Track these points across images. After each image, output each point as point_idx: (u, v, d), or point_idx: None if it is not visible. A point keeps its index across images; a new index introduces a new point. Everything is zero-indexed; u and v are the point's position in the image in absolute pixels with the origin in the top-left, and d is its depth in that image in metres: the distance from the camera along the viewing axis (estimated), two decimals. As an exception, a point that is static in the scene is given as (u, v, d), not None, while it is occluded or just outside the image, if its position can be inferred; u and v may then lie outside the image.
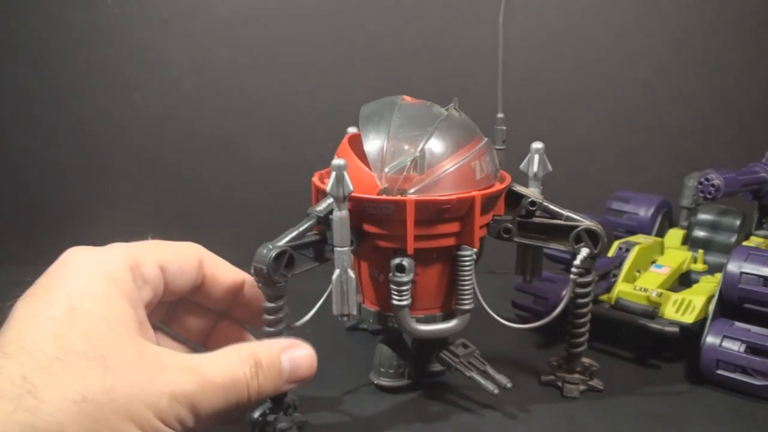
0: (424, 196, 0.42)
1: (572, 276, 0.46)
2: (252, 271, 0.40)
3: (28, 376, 0.30)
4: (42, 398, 0.30)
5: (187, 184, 0.83)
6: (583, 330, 0.48)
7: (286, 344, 0.39)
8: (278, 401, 0.42)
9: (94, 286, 0.35)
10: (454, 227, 0.44)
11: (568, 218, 0.46)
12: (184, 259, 0.41)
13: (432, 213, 0.42)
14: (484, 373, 0.47)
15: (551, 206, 0.47)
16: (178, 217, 0.83)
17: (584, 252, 0.45)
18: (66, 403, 0.30)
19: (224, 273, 0.43)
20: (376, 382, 0.50)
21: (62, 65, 0.80)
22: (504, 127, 0.49)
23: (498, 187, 0.45)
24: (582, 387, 0.49)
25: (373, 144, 0.43)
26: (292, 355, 0.39)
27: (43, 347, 0.31)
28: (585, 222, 0.45)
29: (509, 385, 0.46)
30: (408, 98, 0.47)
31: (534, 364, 0.52)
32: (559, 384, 0.49)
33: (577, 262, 0.45)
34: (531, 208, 0.47)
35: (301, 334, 0.59)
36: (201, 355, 0.37)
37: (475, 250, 0.45)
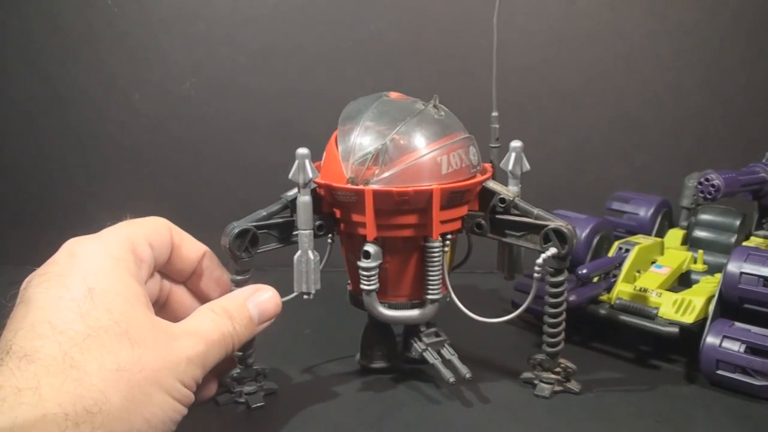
0: (384, 186, 0.44)
1: (535, 275, 0.46)
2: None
3: (68, 351, 0.33)
4: (84, 370, 0.32)
5: (187, 184, 0.83)
6: (557, 330, 0.48)
7: (249, 291, 0.43)
8: (248, 367, 0.47)
9: (104, 267, 0.37)
10: (414, 219, 0.45)
11: (538, 216, 0.46)
12: (162, 234, 0.43)
13: (391, 204, 0.44)
14: (449, 363, 0.48)
15: (522, 204, 0.47)
16: (178, 217, 0.82)
17: (549, 251, 0.45)
18: (105, 374, 0.33)
19: (188, 244, 0.45)
20: (358, 362, 0.52)
21: (62, 65, 0.80)
22: (497, 125, 0.50)
23: (460, 183, 0.46)
24: (557, 388, 0.49)
25: (346, 136, 0.45)
26: (257, 300, 0.43)
27: (72, 326, 0.34)
28: (554, 221, 0.46)
29: (468, 375, 0.47)
30: (394, 94, 0.49)
31: (520, 362, 0.52)
32: (536, 382, 0.49)
33: (539, 261, 0.45)
34: (501, 205, 0.47)
35: (299, 334, 0.59)
36: (190, 320, 0.40)
37: (446, 242, 0.47)
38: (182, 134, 0.82)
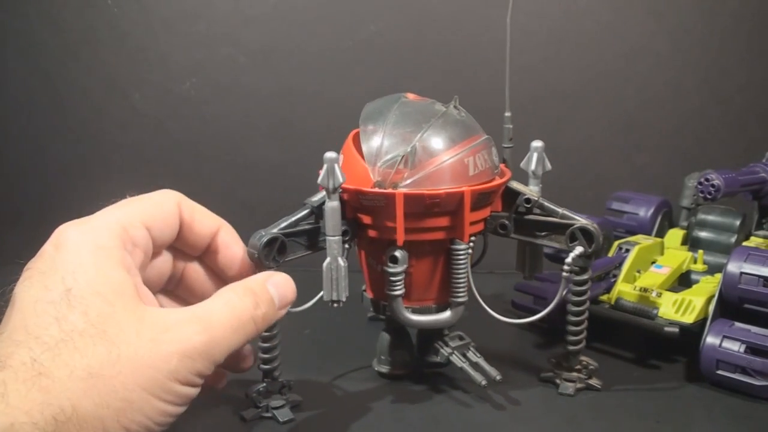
0: (414, 189, 0.43)
1: (564, 274, 0.46)
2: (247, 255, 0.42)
3: (38, 358, 0.31)
4: (53, 378, 0.31)
5: (187, 184, 0.82)
6: (580, 329, 0.48)
7: (266, 275, 0.41)
8: (273, 381, 0.46)
9: (86, 262, 0.35)
10: (444, 221, 0.45)
11: (563, 216, 0.46)
12: (165, 211, 0.41)
13: (422, 206, 0.43)
14: (476, 366, 0.48)
15: (547, 204, 0.47)
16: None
17: (577, 250, 0.45)
18: (74, 382, 0.31)
19: (200, 218, 0.42)
20: (376, 369, 0.51)
21: (62, 65, 0.80)
22: (511, 126, 0.50)
23: (490, 183, 0.46)
24: (579, 385, 0.49)
25: (369, 139, 0.45)
26: (275, 282, 0.40)
27: (48, 331, 0.32)
28: (580, 220, 0.46)
29: (498, 377, 0.47)
30: (412, 95, 0.48)
31: (536, 362, 0.53)
32: (558, 381, 0.49)
33: (568, 260, 0.45)
34: (526, 205, 0.47)
35: (299, 333, 0.59)
36: (201, 304, 0.37)
37: (470, 244, 0.46)
38: (182, 134, 0.82)
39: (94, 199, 0.84)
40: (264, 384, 0.46)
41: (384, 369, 0.51)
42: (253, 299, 0.38)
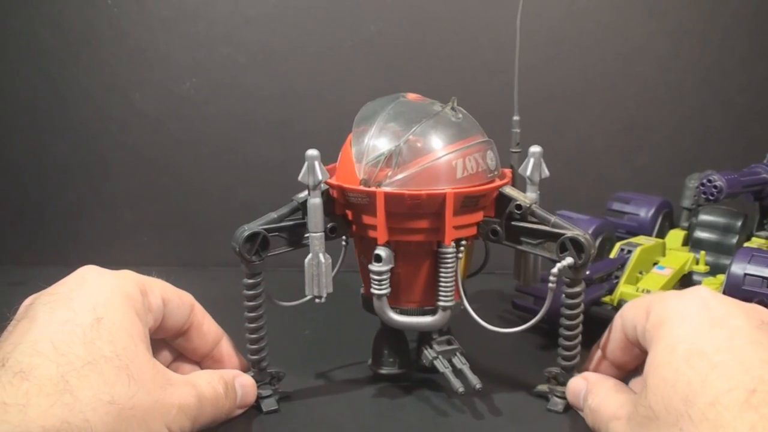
0: (397, 189, 0.43)
1: (550, 285, 0.43)
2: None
3: (65, 375, 0.32)
4: (77, 397, 0.32)
5: (187, 184, 0.83)
6: (573, 343, 0.46)
7: (235, 373, 0.44)
8: (261, 371, 0.46)
9: (114, 302, 0.37)
10: (427, 223, 0.44)
11: (555, 225, 0.44)
12: (181, 300, 0.43)
13: (403, 207, 0.43)
14: (460, 372, 0.47)
15: (539, 211, 0.45)
16: (178, 217, 0.83)
17: (565, 261, 0.43)
18: (97, 404, 0.33)
19: (208, 326, 0.45)
20: (371, 368, 0.51)
21: (62, 65, 0.80)
22: (518, 130, 0.48)
23: (475, 187, 0.45)
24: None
25: (360, 137, 0.45)
26: (242, 382, 0.44)
27: (74, 350, 0.34)
28: (572, 230, 0.44)
29: (479, 386, 0.45)
30: (412, 95, 0.48)
31: (529, 370, 0.51)
32: (550, 397, 0.47)
33: (554, 270, 0.43)
34: (517, 212, 0.46)
35: (300, 335, 0.59)
36: (189, 376, 0.41)
37: (461, 248, 0.45)
38: (182, 134, 0.82)
39: (93, 200, 0.84)
40: (251, 373, 0.46)
41: (380, 369, 0.51)
42: (224, 388, 0.42)
